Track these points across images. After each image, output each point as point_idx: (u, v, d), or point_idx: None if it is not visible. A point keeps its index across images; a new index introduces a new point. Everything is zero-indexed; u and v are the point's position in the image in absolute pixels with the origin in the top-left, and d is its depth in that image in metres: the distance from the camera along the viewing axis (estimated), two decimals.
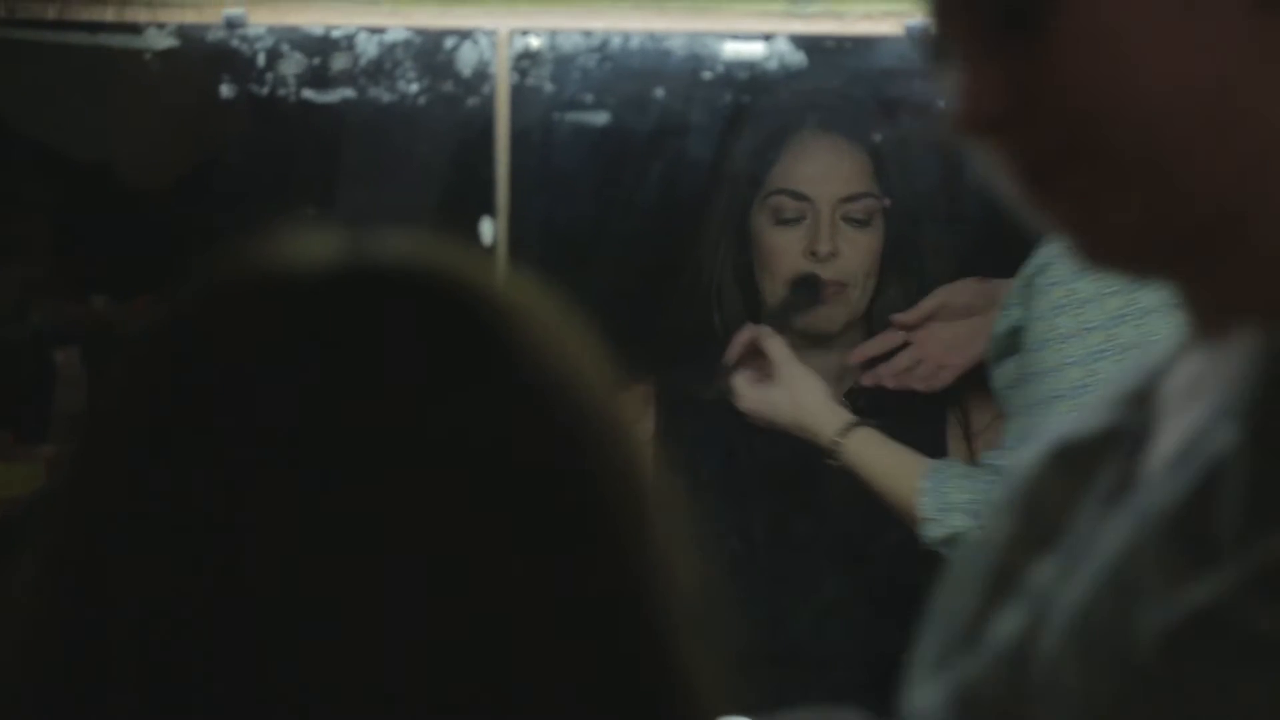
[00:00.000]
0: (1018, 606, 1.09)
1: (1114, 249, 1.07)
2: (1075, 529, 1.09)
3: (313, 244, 0.85)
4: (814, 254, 2.61)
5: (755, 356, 2.55)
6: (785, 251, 2.62)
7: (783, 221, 2.62)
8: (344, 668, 0.78)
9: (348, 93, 2.85)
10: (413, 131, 2.86)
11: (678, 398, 2.64)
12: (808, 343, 2.64)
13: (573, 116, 2.88)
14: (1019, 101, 1.06)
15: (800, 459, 2.58)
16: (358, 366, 0.81)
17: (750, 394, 2.54)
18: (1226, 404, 1.03)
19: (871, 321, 2.70)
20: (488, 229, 2.83)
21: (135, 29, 2.81)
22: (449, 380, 0.81)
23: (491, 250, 2.83)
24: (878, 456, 2.50)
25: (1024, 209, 1.10)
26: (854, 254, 2.63)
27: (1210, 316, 1.09)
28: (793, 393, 2.54)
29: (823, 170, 2.63)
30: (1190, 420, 1.07)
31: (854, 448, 2.50)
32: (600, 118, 2.88)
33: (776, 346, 2.54)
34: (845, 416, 2.52)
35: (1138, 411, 1.12)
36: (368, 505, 0.79)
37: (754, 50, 2.87)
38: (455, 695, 0.78)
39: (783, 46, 2.85)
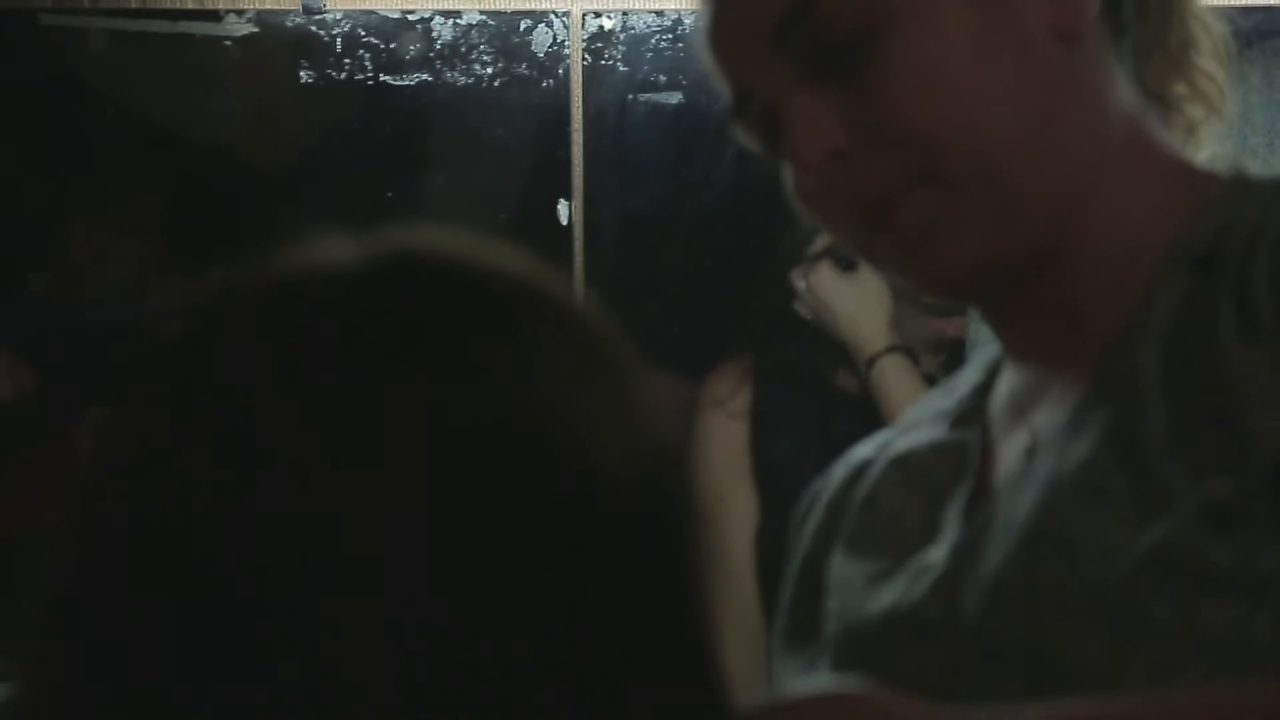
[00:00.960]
0: (907, 585, 1.15)
1: (951, 273, 1.12)
2: (943, 522, 1.16)
3: (333, 243, 0.85)
4: None
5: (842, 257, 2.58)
6: None
7: None
8: (350, 678, 0.78)
9: (424, 76, 2.88)
10: (488, 114, 2.88)
11: (774, 372, 2.66)
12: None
13: (646, 97, 2.90)
14: (857, 134, 1.10)
15: None
16: (363, 365, 0.81)
17: (825, 278, 2.57)
18: (1101, 389, 1.10)
19: None
20: (564, 210, 2.85)
21: (215, 16, 2.85)
22: (458, 378, 0.81)
23: (568, 230, 2.85)
24: (897, 384, 2.53)
25: (858, 250, 1.14)
26: None
27: (1029, 338, 1.16)
28: (861, 296, 2.57)
29: None
30: (1037, 420, 1.14)
31: (883, 368, 2.54)
32: (673, 98, 2.90)
33: None
34: (892, 340, 2.55)
35: (970, 427, 1.20)
36: (368, 506, 0.79)
37: None
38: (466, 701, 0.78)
39: None
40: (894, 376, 2.55)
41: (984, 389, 1.22)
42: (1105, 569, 1.04)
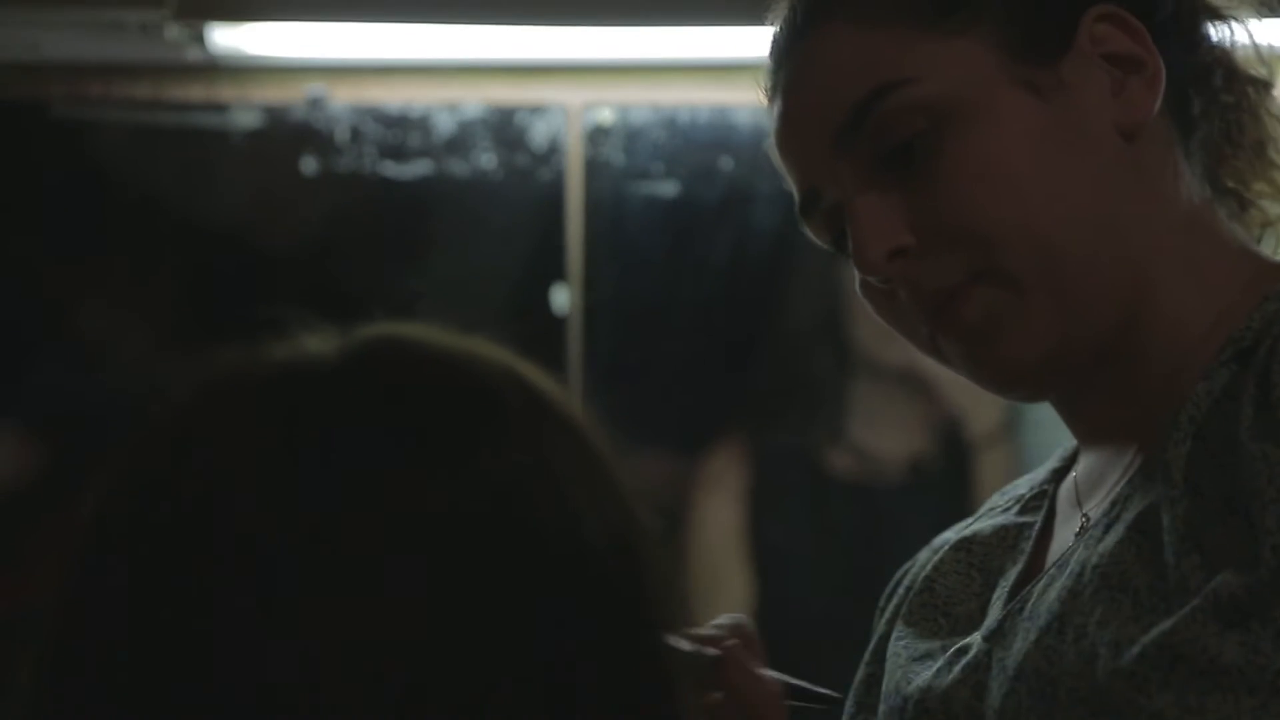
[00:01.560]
0: (944, 668, 1.16)
1: (1017, 369, 1.12)
2: (992, 607, 1.17)
3: (312, 338, 0.87)
4: None
5: None
6: None
7: None
8: None
9: (425, 166, 2.93)
10: (488, 204, 2.93)
11: (770, 453, 2.70)
12: (890, 382, 2.72)
13: (643, 187, 2.95)
14: (920, 230, 1.10)
15: (888, 515, 2.62)
16: (344, 458, 0.82)
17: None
18: (1139, 482, 1.11)
19: None
20: (562, 297, 2.90)
21: (222, 108, 2.90)
22: (438, 470, 0.82)
23: (566, 317, 2.90)
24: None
25: (924, 347, 1.14)
26: None
27: (1094, 426, 1.16)
28: None
29: None
30: (1088, 507, 1.15)
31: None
32: (670, 188, 2.95)
33: None
34: (999, 420, 2.56)
35: (1036, 511, 1.20)
36: (363, 587, 0.80)
37: None
38: None
39: None
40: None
41: (1059, 474, 1.22)
42: (1115, 660, 1.04)
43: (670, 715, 0.85)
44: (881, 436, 2.72)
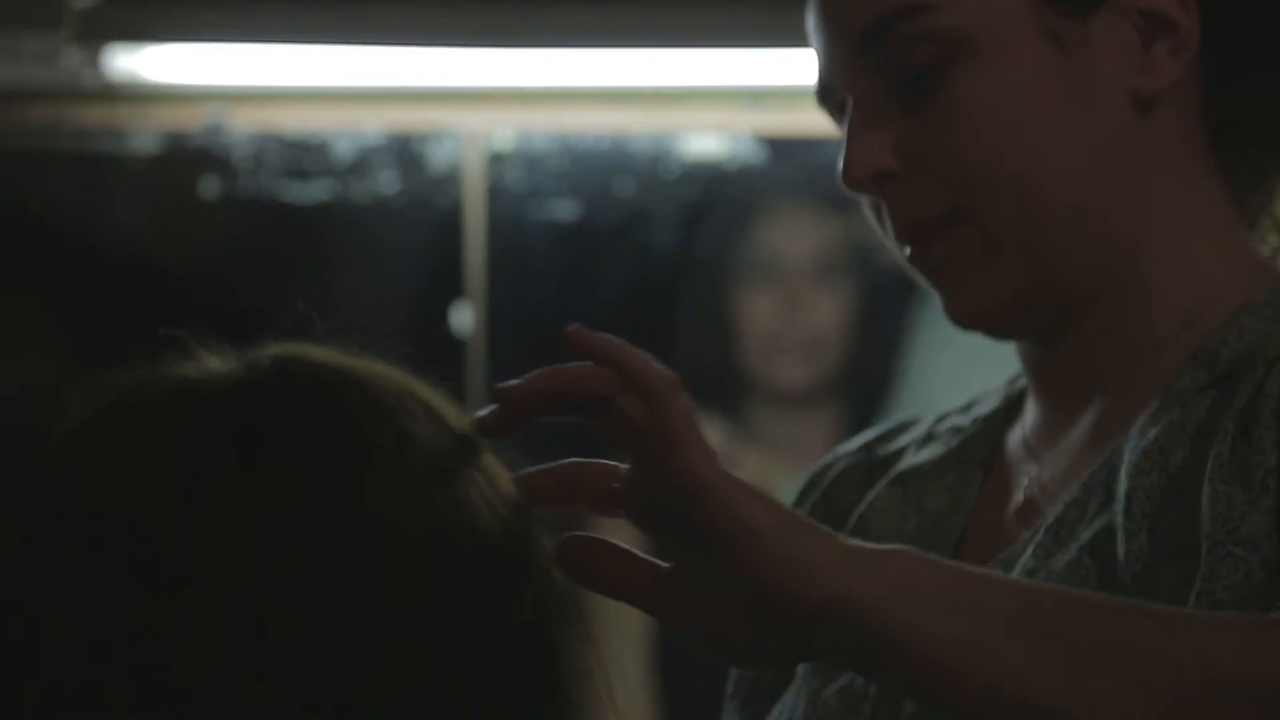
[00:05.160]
0: None
1: (980, 311, 1.11)
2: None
3: (213, 357, 0.87)
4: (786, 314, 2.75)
5: None
6: (759, 316, 2.77)
7: (755, 289, 2.77)
8: None
9: (326, 191, 2.94)
10: (390, 227, 2.95)
11: None
12: (783, 403, 2.76)
13: (543, 210, 2.98)
14: (909, 160, 1.09)
15: None
16: (241, 477, 0.82)
17: None
18: (1096, 488, 1.07)
19: (851, 381, 2.82)
20: (463, 318, 2.92)
21: (120, 133, 2.90)
22: (334, 492, 0.83)
23: (468, 338, 2.92)
24: None
25: (901, 262, 1.13)
26: (825, 313, 2.77)
27: (1054, 381, 1.14)
28: None
29: (789, 238, 2.78)
30: (1041, 471, 1.12)
31: None
32: (569, 211, 2.98)
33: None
34: None
35: (976, 451, 1.17)
36: (247, 627, 0.80)
37: (714, 146, 2.98)
38: None
39: (743, 143, 2.97)
40: None
41: (1003, 415, 1.19)
42: None
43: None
44: (776, 457, 2.76)
